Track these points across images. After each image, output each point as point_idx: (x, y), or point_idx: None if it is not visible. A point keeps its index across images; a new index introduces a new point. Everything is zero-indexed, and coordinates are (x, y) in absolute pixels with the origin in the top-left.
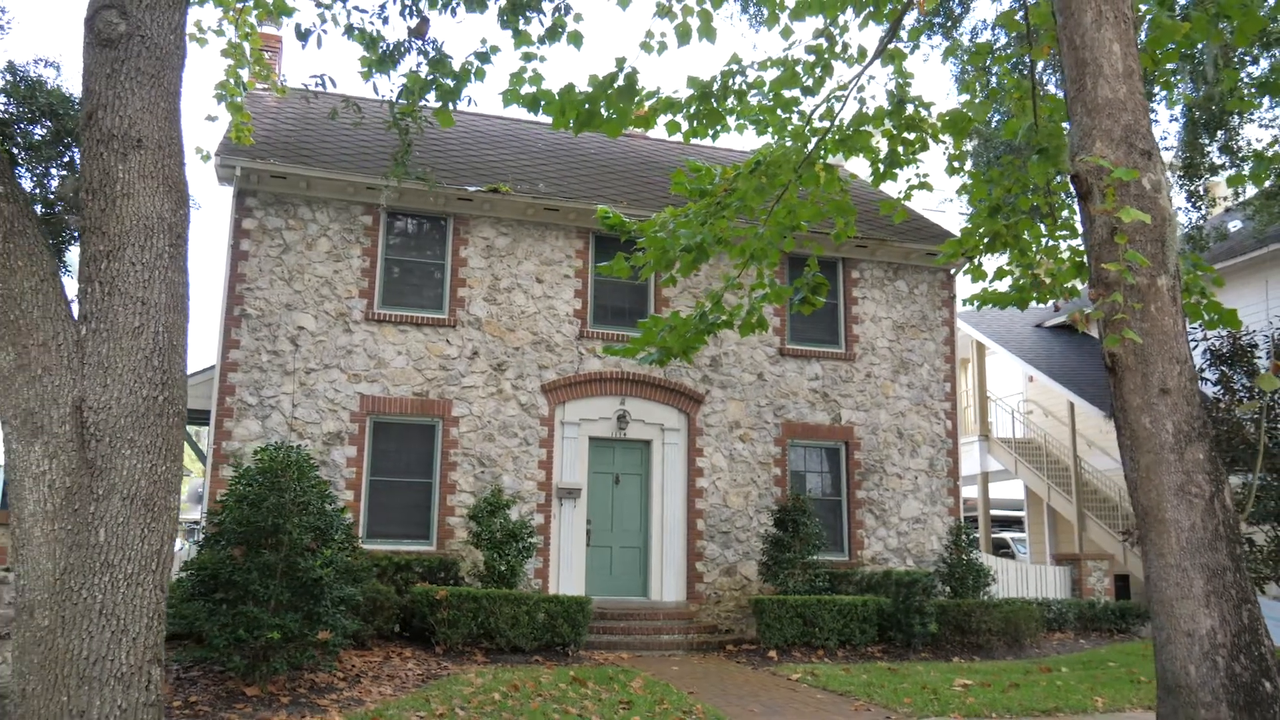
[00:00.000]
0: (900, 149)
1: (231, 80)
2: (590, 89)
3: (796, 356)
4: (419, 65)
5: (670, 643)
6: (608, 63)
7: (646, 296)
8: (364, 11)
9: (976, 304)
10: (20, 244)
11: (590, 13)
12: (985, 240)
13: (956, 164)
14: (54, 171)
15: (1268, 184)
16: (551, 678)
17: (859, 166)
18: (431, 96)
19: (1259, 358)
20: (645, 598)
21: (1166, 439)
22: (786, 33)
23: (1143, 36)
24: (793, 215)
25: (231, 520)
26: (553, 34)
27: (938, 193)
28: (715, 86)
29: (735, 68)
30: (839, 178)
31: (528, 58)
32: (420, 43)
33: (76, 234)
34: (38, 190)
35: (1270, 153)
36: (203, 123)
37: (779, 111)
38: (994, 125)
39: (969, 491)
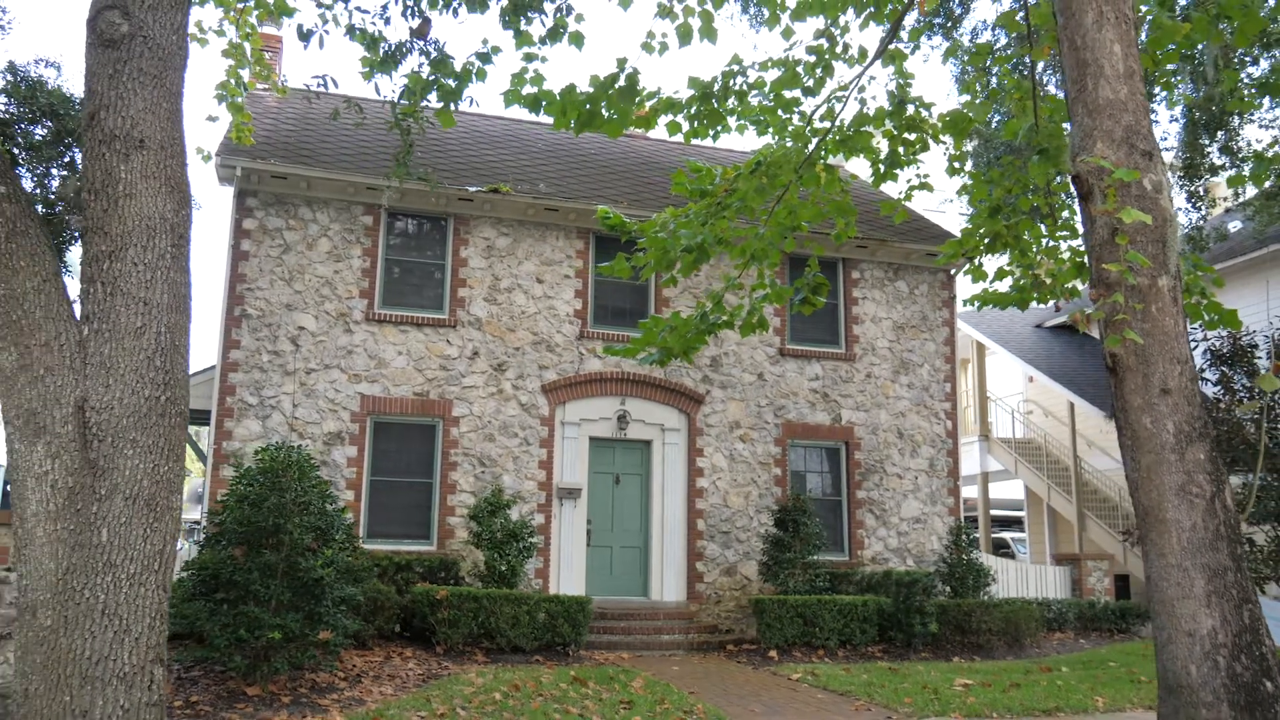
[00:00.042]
0: (901, 149)
1: (232, 80)
2: (591, 89)
3: (797, 357)
4: (420, 66)
5: (671, 643)
6: (609, 63)
7: (647, 297)
8: (365, 12)
9: (977, 304)
10: (23, 244)
11: (591, 13)
12: (986, 241)
13: (957, 164)
14: (55, 172)
15: (1268, 184)
16: (552, 677)
17: (859, 167)
18: (433, 97)
19: (1259, 358)
20: (646, 598)
21: (1167, 439)
22: (787, 33)
23: (1143, 37)
24: (793, 216)
25: (232, 520)
26: (554, 34)
27: (938, 193)
28: (716, 87)
29: (736, 68)
30: (839, 178)
31: (529, 58)
32: (422, 43)
33: (78, 234)
34: (39, 190)
35: (1270, 153)
36: (204, 123)
37: (780, 112)
38: (994, 126)
39: (969, 491)
